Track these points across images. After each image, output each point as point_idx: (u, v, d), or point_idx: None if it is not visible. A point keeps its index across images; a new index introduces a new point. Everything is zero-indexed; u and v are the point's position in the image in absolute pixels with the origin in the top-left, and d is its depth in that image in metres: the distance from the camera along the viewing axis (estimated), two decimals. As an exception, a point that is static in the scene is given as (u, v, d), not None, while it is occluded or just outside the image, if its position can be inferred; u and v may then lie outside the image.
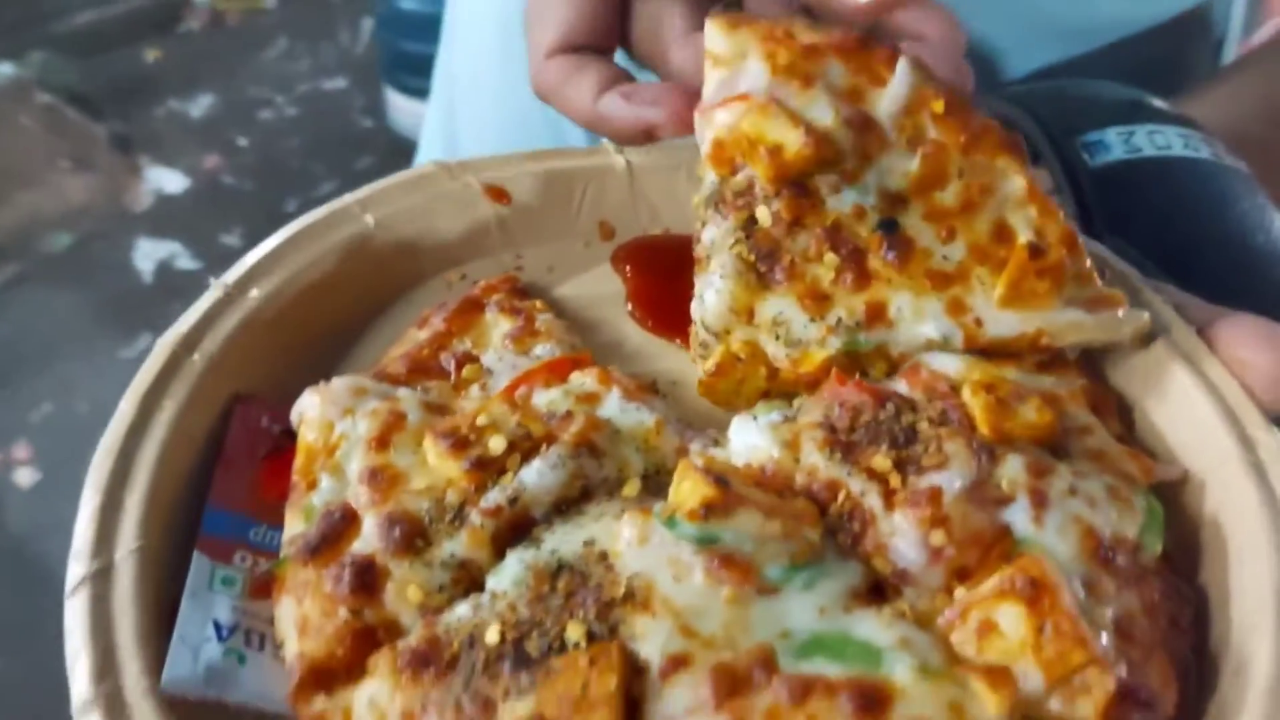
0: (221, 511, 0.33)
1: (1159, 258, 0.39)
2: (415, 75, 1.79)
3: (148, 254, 1.90)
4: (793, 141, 0.35)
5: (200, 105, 2.16)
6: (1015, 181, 0.35)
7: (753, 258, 0.34)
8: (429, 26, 0.77)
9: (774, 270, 0.34)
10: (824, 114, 0.35)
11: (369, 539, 0.30)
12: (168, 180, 2.02)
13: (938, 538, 0.28)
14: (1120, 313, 0.33)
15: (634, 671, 0.26)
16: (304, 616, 0.29)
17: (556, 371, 0.35)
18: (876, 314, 0.33)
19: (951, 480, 0.29)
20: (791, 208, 0.34)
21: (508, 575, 0.29)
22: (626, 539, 0.28)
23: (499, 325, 0.38)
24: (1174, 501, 0.32)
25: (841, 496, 0.30)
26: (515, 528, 0.30)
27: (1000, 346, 0.33)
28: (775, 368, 0.34)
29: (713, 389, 0.35)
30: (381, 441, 0.32)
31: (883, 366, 0.34)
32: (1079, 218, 0.41)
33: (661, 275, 0.41)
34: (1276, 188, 0.44)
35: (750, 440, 0.32)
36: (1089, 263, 0.34)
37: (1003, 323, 0.33)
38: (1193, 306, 0.36)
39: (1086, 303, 0.33)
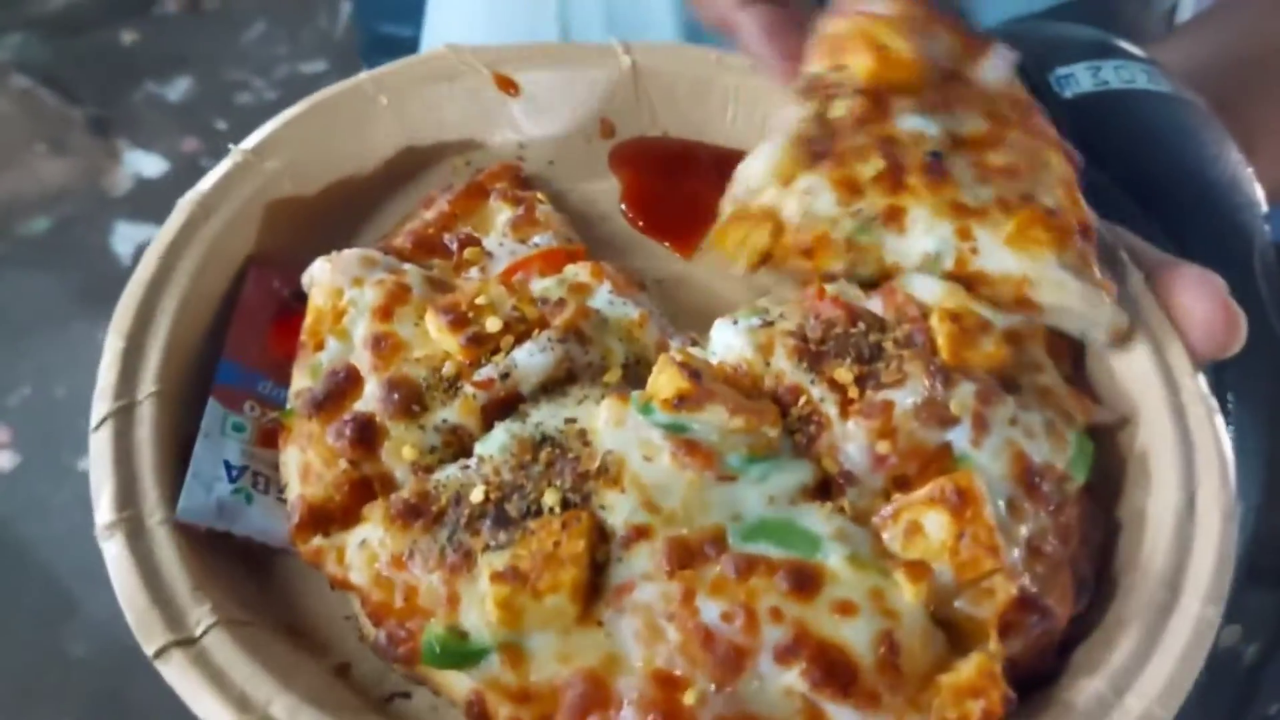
0: (234, 364, 0.35)
1: (1127, 185, 0.41)
2: (394, 58, 1.77)
3: (126, 237, 1.87)
4: (902, 49, 0.37)
5: (178, 88, 2.12)
6: (1058, 171, 0.36)
7: (808, 135, 0.37)
8: (408, 9, 0.75)
9: (825, 154, 0.36)
10: (931, 51, 0.38)
11: (370, 399, 0.32)
12: (146, 164, 1.98)
13: (884, 447, 0.31)
14: (1105, 299, 0.34)
15: (601, 537, 0.29)
16: (306, 464, 0.32)
17: (552, 261, 0.37)
18: (894, 216, 0.35)
19: (904, 397, 0.32)
20: (865, 109, 0.37)
21: (494, 443, 0.31)
22: (604, 419, 0.31)
23: (501, 212, 0.39)
24: (1108, 439, 0.35)
25: (803, 401, 0.32)
26: (504, 402, 0.32)
27: (984, 281, 0.35)
28: (781, 228, 0.36)
29: (722, 236, 0.37)
30: (386, 311, 0.34)
31: (874, 267, 0.36)
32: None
33: (655, 177, 0.43)
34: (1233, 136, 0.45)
35: (728, 340, 0.34)
36: (1095, 252, 0.35)
37: (996, 258, 0.34)
38: (1145, 253, 0.37)
39: (1078, 276, 0.34)
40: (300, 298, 0.37)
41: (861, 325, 0.33)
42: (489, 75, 0.43)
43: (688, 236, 0.40)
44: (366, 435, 0.32)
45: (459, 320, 0.33)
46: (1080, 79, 0.44)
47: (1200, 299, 0.34)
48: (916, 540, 0.30)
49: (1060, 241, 0.34)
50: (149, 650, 0.28)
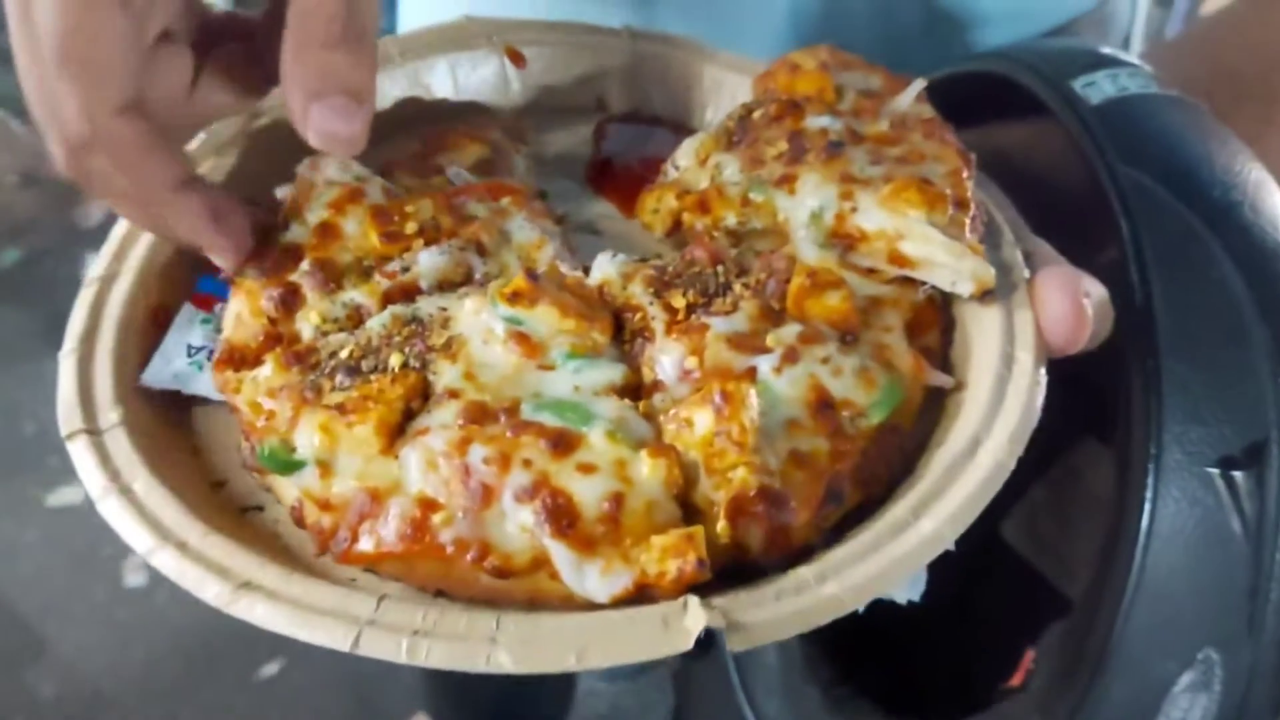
0: (210, 278, 0.41)
1: (1164, 181, 0.42)
2: None
3: (98, 270, 1.83)
4: (811, 64, 0.44)
5: (151, 120, 2.09)
6: (950, 164, 0.40)
7: (731, 127, 0.44)
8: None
9: (741, 142, 0.43)
10: (846, 79, 0.44)
11: (301, 273, 0.38)
12: (94, 273, 1.96)
13: (691, 362, 0.34)
14: (968, 253, 0.37)
15: (423, 396, 0.34)
16: (239, 314, 0.37)
17: (492, 191, 0.42)
18: (787, 180, 0.40)
19: (721, 324, 0.35)
20: (780, 111, 0.43)
21: (377, 319, 0.37)
22: (466, 309, 0.36)
23: (476, 154, 0.44)
24: (949, 404, 0.37)
25: (639, 317, 0.36)
26: (403, 290, 0.38)
27: (862, 237, 0.38)
28: (686, 191, 0.42)
29: (644, 202, 0.43)
30: (338, 206, 0.39)
31: (766, 222, 0.40)
32: (1094, 152, 0.43)
33: (628, 149, 0.47)
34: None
35: (602, 267, 0.39)
36: (969, 221, 0.38)
37: (872, 216, 0.38)
38: (1037, 247, 0.40)
39: (944, 232, 0.37)
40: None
41: (722, 269, 0.37)
42: (501, 46, 0.48)
43: (631, 202, 0.45)
44: (289, 301, 0.37)
45: (384, 218, 0.39)
46: (1103, 85, 0.45)
47: (1058, 294, 0.37)
48: (683, 434, 0.33)
49: (930, 204, 0.37)
50: (64, 433, 0.34)
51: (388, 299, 0.38)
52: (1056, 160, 0.47)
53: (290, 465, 0.33)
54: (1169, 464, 0.40)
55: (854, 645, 0.58)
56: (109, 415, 0.35)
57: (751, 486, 0.31)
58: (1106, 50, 0.48)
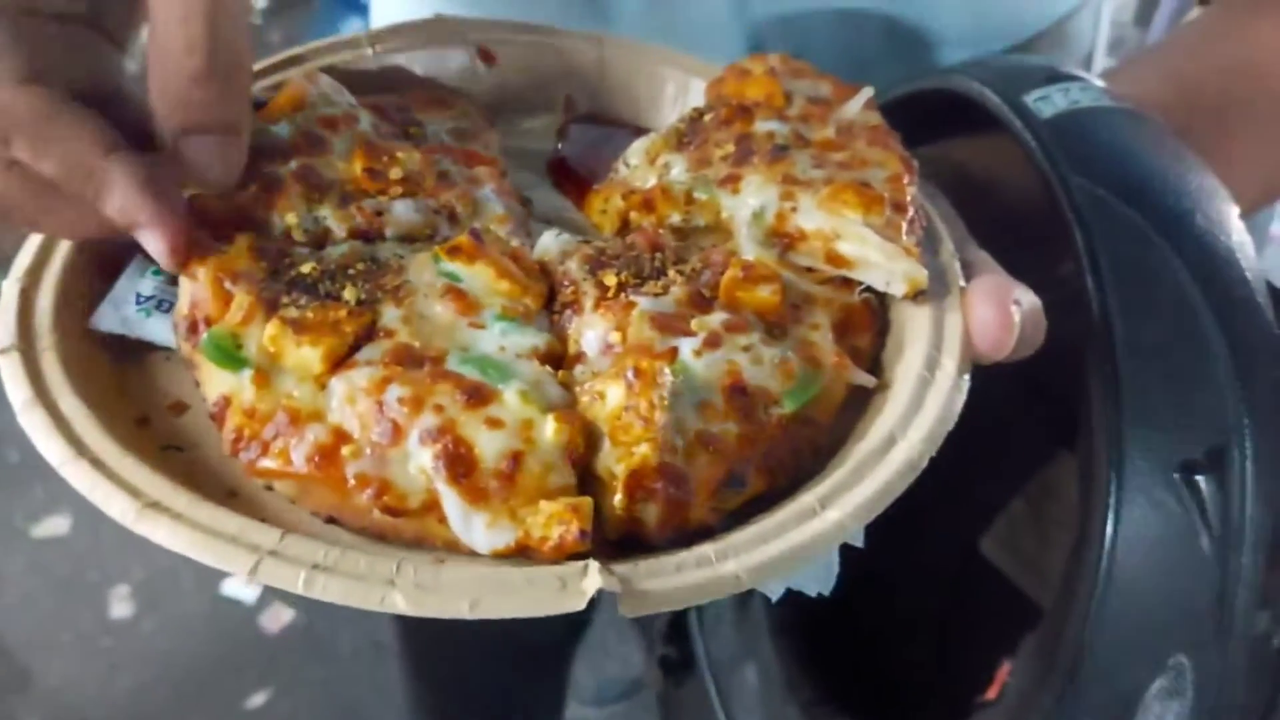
0: None
1: (1117, 191, 0.43)
2: None
3: (84, 299, 1.82)
4: (760, 70, 0.45)
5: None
6: (891, 169, 0.41)
7: (681, 129, 0.45)
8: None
9: (690, 144, 0.44)
10: (795, 87, 0.45)
11: (288, 169, 0.38)
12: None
13: (614, 337, 0.35)
14: (902, 254, 0.38)
15: (367, 334, 0.34)
16: (193, 293, 0.37)
17: (468, 158, 0.43)
18: (730, 180, 0.41)
19: (648, 303, 0.36)
20: (730, 115, 0.44)
21: (338, 248, 0.38)
22: (418, 261, 0.37)
23: (452, 121, 0.46)
24: (871, 404, 0.37)
25: (570, 290, 0.37)
26: (369, 229, 0.39)
27: (801, 236, 0.39)
28: (632, 191, 0.42)
29: (592, 201, 0.44)
30: (331, 124, 0.41)
31: (709, 219, 0.41)
32: (1047, 164, 0.44)
33: (589, 147, 0.48)
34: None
35: (546, 243, 0.40)
36: (905, 224, 0.38)
37: (810, 216, 0.39)
38: (978, 263, 0.40)
39: (879, 233, 0.38)
40: None
41: (660, 255, 0.38)
42: (474, 46, 0.49)
43: (587, 197, 0.45)
44: (270, 185, 0.38)
45: (374, 154, 0.40)
46: (1055, 99, 0.46)
47: (986, 301, 0.37)
48: (595, 406, 0.33)
49: (867, 206, 0.38)
50: None
51: (353, 233, 0.38)
52: (1012, 174, 0.47)
53: (233, 360, 0.33)
54: (1131, 470, 0.41)
55: (834, 664, 0.57)
56: (44, 339, 0.35)
57: (652, 462, 0.31)
58: (1058, 65, 0.49)
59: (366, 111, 0.43)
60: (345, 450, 0.32)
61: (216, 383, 0.34)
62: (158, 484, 0.31)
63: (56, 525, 1.58)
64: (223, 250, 0.35)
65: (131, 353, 0.38)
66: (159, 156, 0.34)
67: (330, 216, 0.39)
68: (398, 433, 0.31)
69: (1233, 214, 0.43)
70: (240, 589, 1.55)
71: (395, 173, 0.40)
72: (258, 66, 0.44)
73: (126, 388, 0.37)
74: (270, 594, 1.54)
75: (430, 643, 1.01)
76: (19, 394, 0.34)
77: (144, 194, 0.32)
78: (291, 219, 0.38)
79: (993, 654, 0.55)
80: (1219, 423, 0.40)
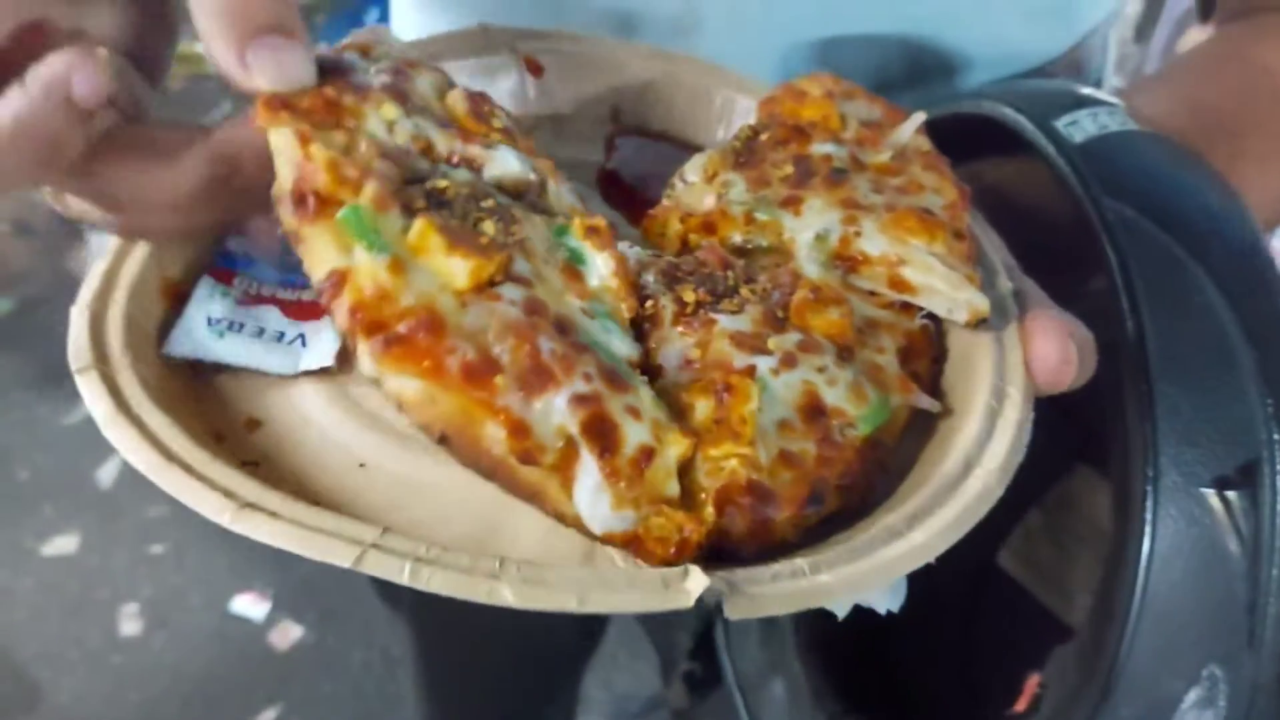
0: (227, 253, 0.41)
1: (1149, 214, 0.44)
2: None
3: (91, 318, 1.82)
4: (815, 91, 0.46)
5: (143, 169, 2.09)
6: (948, 196, 0.42)
7: (738, 147, 0.45)
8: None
9: (747, 163, 0.44)
10: (850, 109, 0.46)
11: (375, 79, 0.36)
12: (111, 245, 1.96)
13: (694, 353, 0.35)
14: (966, 283, 0.39)
15: (503, 272, 0.33)
16: (287, 158, 0.34)
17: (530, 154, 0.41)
18: (792, 203, 0.42)
19: (728, 321, 0.36)
20: (783, 134, 0.45)
21: (461, 174, 0.36)
22: (535, 222, 0.36)
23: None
24: (936, 424, 0.38)
25: (648, 304, 0.37)
26: (469, 159, 0.36)
27: (865, 260, 0.40)
28: (689, 214, 0.43)
29: (649, 226, 0.44)
30: (411, 64, 0.38)
31: (771, 240, 0.42)
32: (1079, 188, 0.45)
33: (637, 161, 0.48)
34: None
35: (622, 251, 0.40)
36: (966, 251, 0.40)
37: (874, 241, 0.40)
38: (1029, 292, 0.42)
39: (943, 261, 0.39)
40: None
41: (730, 273, 0.39)
42: (518, 55, 0.48)
43: (641, 212, 0.46)
44: (360, 90, 0.34)
45: (476, 100, 0.38)
46: (1084, 124, 0.47)
47: (1046, 336, 0.38)
48: (687, 416, 0.34)
49: (930, 233, 0.39)
50: (74, 368, 0.34)
51: (451, 157, 0.36)
52: (1040, 195, 0.49)
53: (373, 237, 0.31)
54: (1166, 486, 0.41)
55: (860, 676, 0.58)
56: (118, 360, 0.35)
57: (742, 478, 0.32)
58: (1085, 90, 0.51)
59: (438, 68, 0.41)
60: (499, 379, 0.30)
61: (331, 257, 0.31)
62: (250, 485, 0.31)
63: (65, 544, 1.57)
64: (338, 133, 0.33)
65: (201, 374, 0.38)
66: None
67: (433, 130, 0.35)
68: (550, 381, 0.31)
69: (1259, 234, 0.44)
70: (249, 607, 1.54)
71: (498, 121, 0.38)
72: None
73: (200, 406, 0.37)
74: (279, 611, 1.54)
75: (443, 656, 1.01)
76: (102, 408, 0.33)
77: (239, 120, 0.33)
78: (390, 113, 0.34)
79: (1015, 665, 0.56)
80: (1250, 438, 0.42)
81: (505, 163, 0.36)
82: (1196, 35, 1.44)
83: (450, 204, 0.34)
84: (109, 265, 0.38)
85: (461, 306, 0.31)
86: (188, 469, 0.31)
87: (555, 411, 0.31)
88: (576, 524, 0.32)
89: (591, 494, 0.31)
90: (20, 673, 1.43)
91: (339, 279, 0.31)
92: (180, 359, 0.37)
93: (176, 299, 0.39)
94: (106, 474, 1.64)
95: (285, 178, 0.32)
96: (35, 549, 1.58)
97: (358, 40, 0.39)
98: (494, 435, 0.31)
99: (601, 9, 0.59)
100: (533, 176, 0.38)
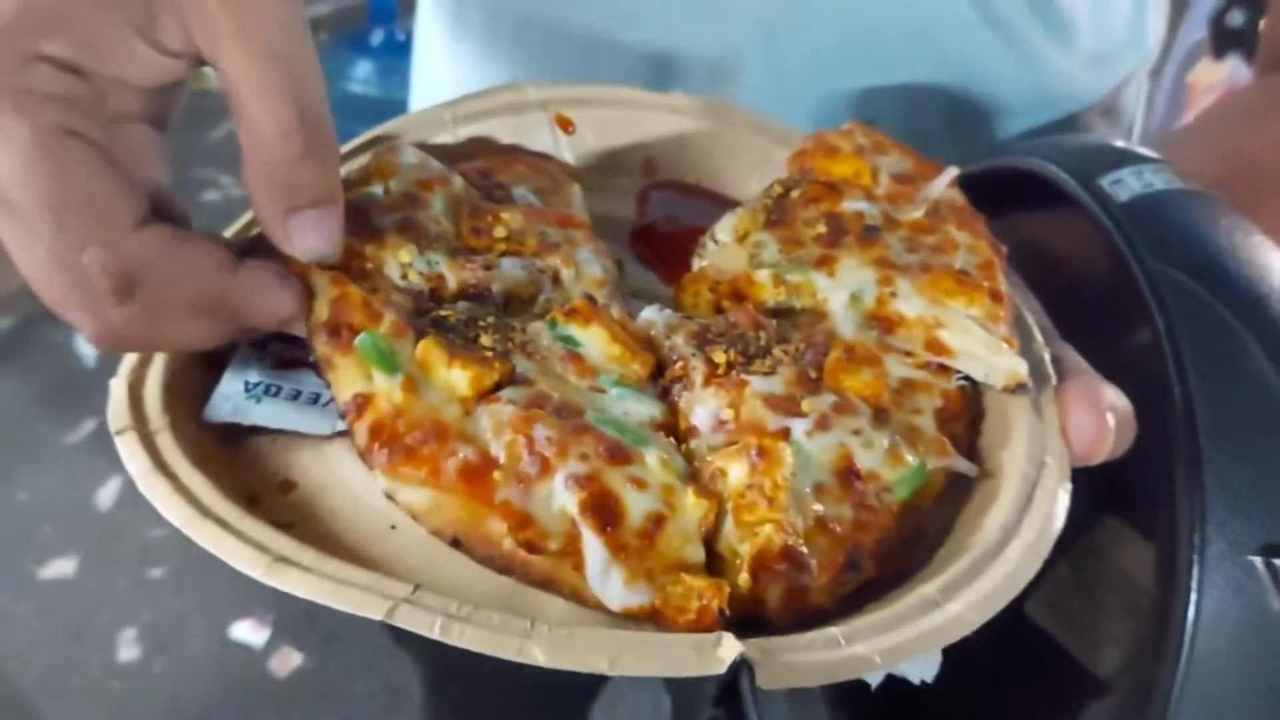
0: None
1: (1195, 275, 0.43)
2: (367, 119, 1.77)
3: (91, 337, 1.81)
4: (847, 147, 0.46)
5: (145, 187, 2.09)
6: (983, 255, 0.42)
7: (769, 204, 0.45)
8: (378, 110, 0.76)
9: (779, 219, 0.44)
10: (881, 164, 0.45)
11: (389, 220, 0.39)
12: None
13: (726, 414, 0.35)
14: (1004, 347, 0.38)
15: (506, 377, 0.35)
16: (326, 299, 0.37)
17: (561, 221, 0.43)
18: (825, 262, 0.42)
19: (760, 383, 0.36)
20: (815, 191, 0.44)
21: (462, 305, 0.38)
22: (535, 329, 0.38)
23: (535, 180, 0.46)
24: (972, 489, 0.38)
25: (679, 365, 0.38)
26: (479, 286, 0.39)
27: (901, 322, 0.40)
28: (718, 281, 0.43)
29: (680, 297, 0.44)
30: (426, 185, 0.41)
31: (806, 302, 0.42)
32: (1125, 248, 0.45)
33: (670, 216, 0.48)
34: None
35: (649, 316, 0.41)
36: (1003, 314, 0.39)
37: (911, 302, 0.39)
38: (1067, 359, 0.41)
39: (981, 324, 0.39)
40: None
41: (763, 333, 0.39)
42: (550, 114, 0.49)
43: (674, 270, 0.46)
44: (376, 235, 0.38)
45: (477, 214, 0.41)
46: (1129, 183, 0.47)
47: (1083, 407, 0.38)
48: (717, 482, 0.34)
49: (968, 295, 0.39)
50: (113, 429, 0.35)
51: (462, 288, 0.39)
52: (1082, 252, 0.48)
53: (387, 362, 0.34)
54: (1212, 555, 0.41)
55: (890, 732, 0.57)
56: (156, 423, 0.35)
57: (777, 544, 0.32)
58: (1127, 146, 0.50)
59: (458, 176, 0.43)
60: (496, 474, 0.32)
61: (354, 382, 0.34)
62: (283, 541, 0.32)
63: (64, 567, 1.56)
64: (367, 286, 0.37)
65: (236, 436, 0.38)
66: (264, 244, 0.35)
67: (442, 263, 0.39)
68: (546, 468, 0.32)
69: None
70: (249, 633, 1.53)
71: (499, 231, 0.41)
72: (342, 149, 0.45)
73: (235, 467, 0.37)
74: (279, 637, 1.52)
75: (447, 690, 1.00)
76: (138, 464, 0.34)
77: (284, 293, 0.34)
78: (405, 257, 0.38)
79: (1044, 717, 0.55)
80: (1297, 505, 0.41)
81: (507, 273, 0.40)
82: (1208, 69, 1.45)
83: (455, 327, 0.36)
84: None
85: (465, 414, 0.34)
86: (223, 524, 0.32)
87: (555, 496, 0.32)
88: (597, 605, 0.32)
89: (602, 572, 0.31)
90: (19, 698, 1.41)
91: (362, 402, 0.34)
92: (218, 423, 0.38)
93: (212, 365, 0.40)
94: (106, 496, 1.63)
95: (321, 312, 0.35)
96: (34, 572, 1.56)
97: (380, 162, 0.42)
98: (499, 530, 0.32)
99: (641, 54, 0.60)
100: (541, 273, 0.41)
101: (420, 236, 0.39)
